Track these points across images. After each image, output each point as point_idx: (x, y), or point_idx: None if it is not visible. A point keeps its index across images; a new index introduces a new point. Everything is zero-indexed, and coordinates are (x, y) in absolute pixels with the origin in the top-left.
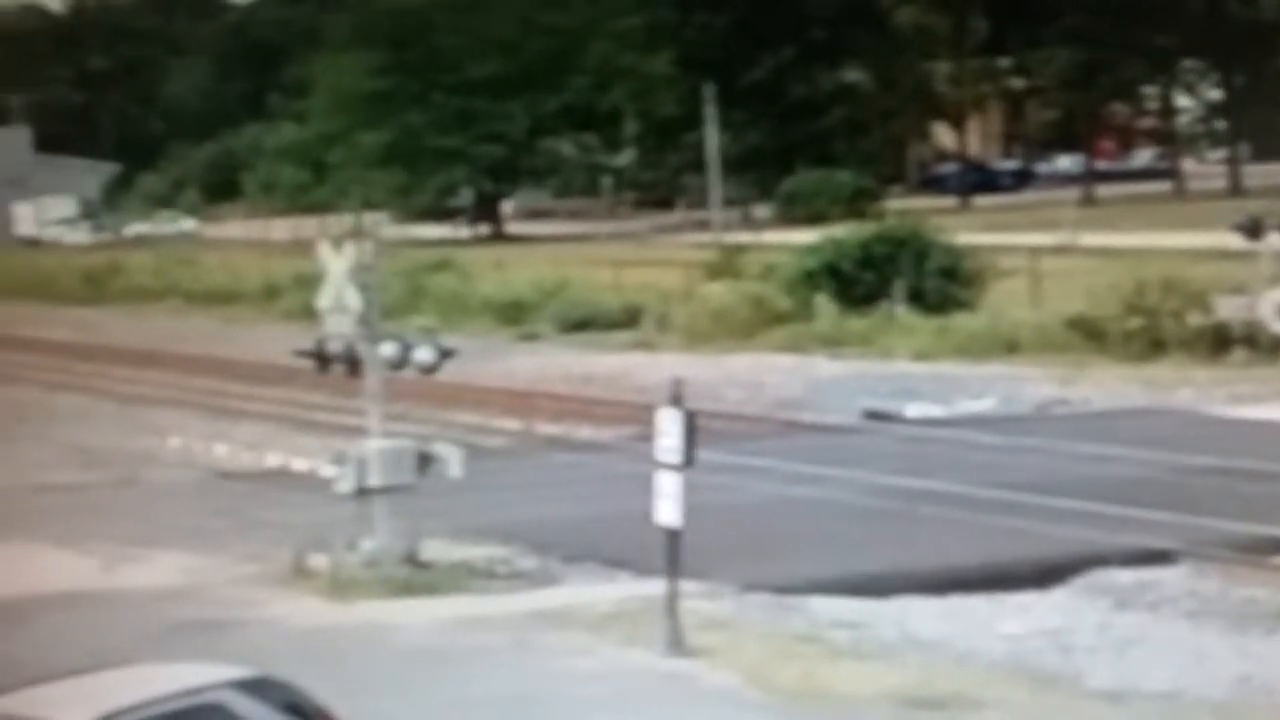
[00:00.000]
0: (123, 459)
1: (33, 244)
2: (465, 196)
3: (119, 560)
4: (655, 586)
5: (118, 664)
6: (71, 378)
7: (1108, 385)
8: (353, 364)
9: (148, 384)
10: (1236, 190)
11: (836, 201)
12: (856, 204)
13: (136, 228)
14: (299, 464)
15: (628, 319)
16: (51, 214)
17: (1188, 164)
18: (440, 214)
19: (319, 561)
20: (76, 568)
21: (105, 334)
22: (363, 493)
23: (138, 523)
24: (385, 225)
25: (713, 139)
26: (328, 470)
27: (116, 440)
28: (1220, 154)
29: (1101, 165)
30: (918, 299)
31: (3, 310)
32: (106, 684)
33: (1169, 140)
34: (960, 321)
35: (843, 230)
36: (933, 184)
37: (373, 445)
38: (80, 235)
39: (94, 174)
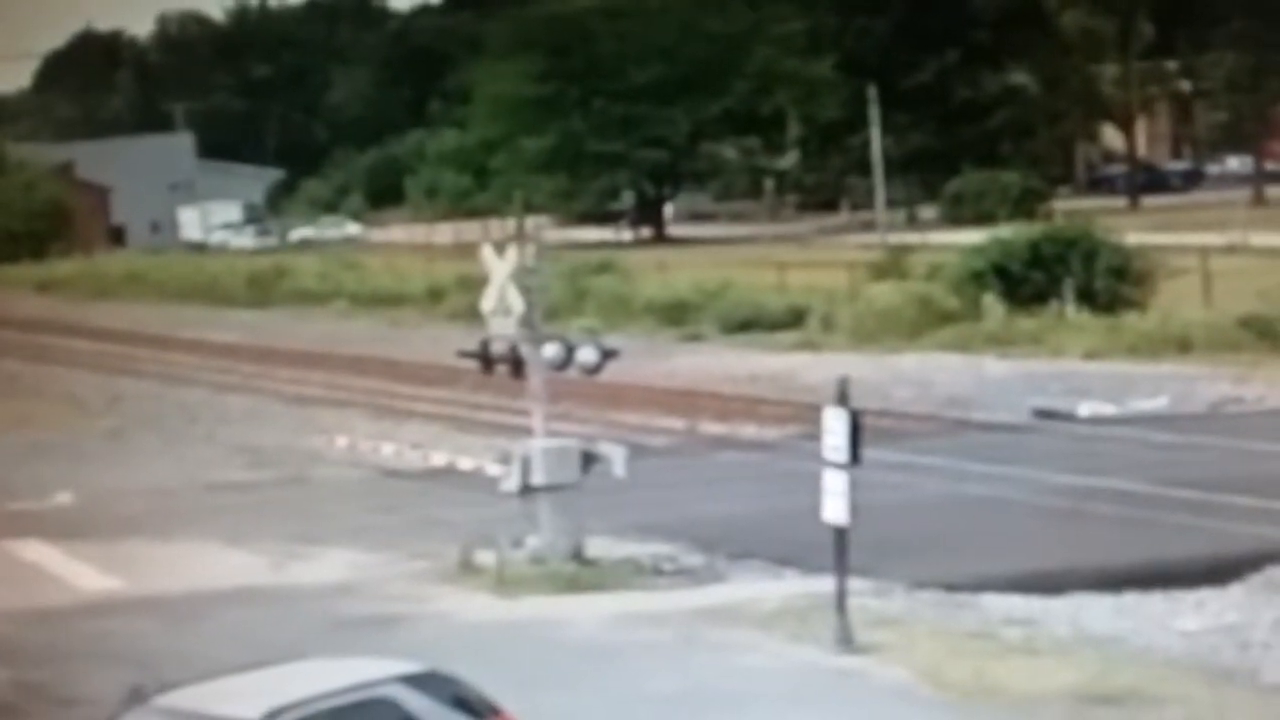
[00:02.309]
0: (291, 458)
1: (198, 248)
2: (627, 200)
3: (289, 557)
4: (822, 584)
5: (288, 659)
6: (239, 379)
7: None
8: (516, 365)
9: (314, 385)
10: None
11: (1003, 202)
12: (1024, 204)
13: (301, 232)
14: (464, 463)
15: (792, 319)
16: (217, 219)
17: None
18: (602, 217)
19: (485, 558)
20: (247, 565)
21: (271, 336)
22: (527, 491)
23: (306, 520)
24: (547, 229)
25: (877, 141)
26: (493, 469)
27: (284, 440)
28: None
29: (1271, 166)
30: (1087, 298)
31: (170, 313)
32: (277, 678)
33: None
34: (1131, 321)
35: (1010, 230)
36: (1101, 185)
37: (537, 444)
38: (245, 239)
39: (258, 180)
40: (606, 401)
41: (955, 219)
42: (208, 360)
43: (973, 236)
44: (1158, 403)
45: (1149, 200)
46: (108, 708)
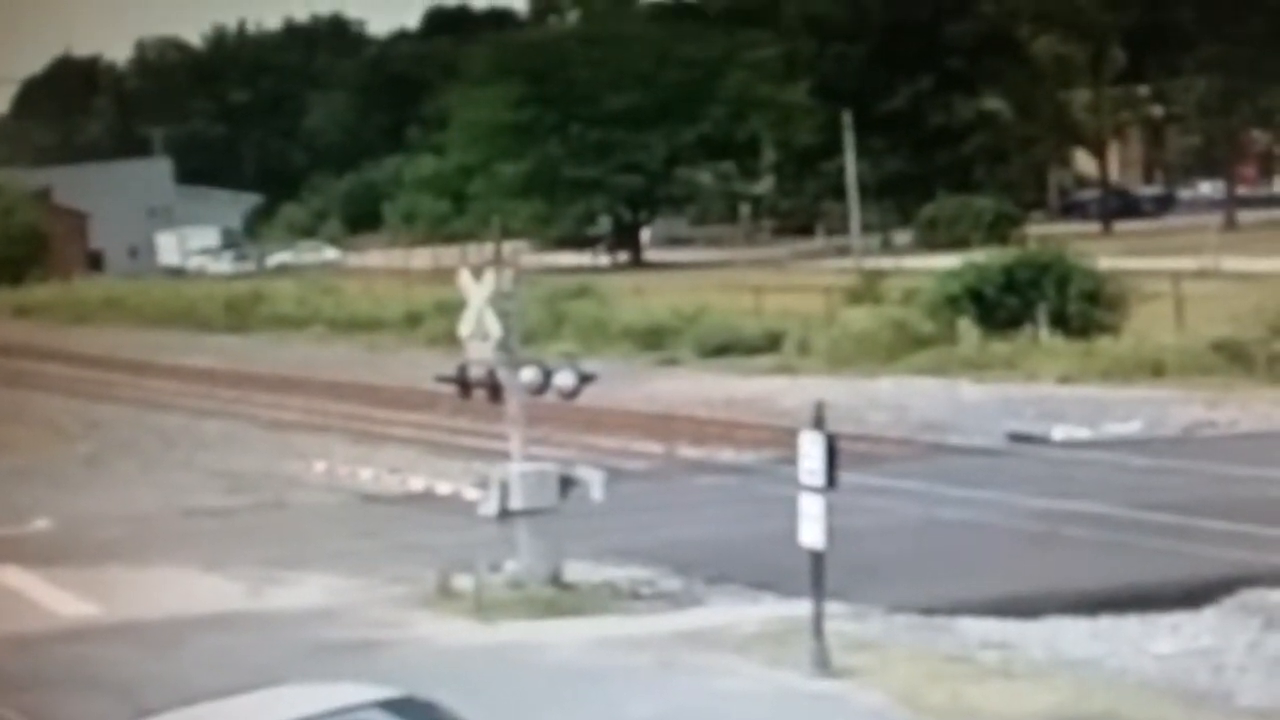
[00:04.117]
0: (269, 483)
1: (176, 273)
2: (604, 225)
3: (267, 583)
4: (799, 608)
5: (266, 685)
6: (217, 404)
7: (1255, 408)
8: (494, 389)
9: (292, 410)
10: None
11: (977, 227)
12: (998, 229)
13: (279, 257)
14: (442, 487)
15: (768, 344)
16: (194, 243)
17: None
18: (579, 242)
19: (463, 583)
20: (225, 590)
21: (249, 361)
22: (505, 515)
23: (284, 546)
24: (524, 254)
25: (852, 166)
26: (471, 493)
27: (262, 465)
28: None
29: (1243, 191)
30: (1061, 323)
31: (148, 338)
32: (254, 704)
33: None
34: (1104, 345)
35: (984, 255)
36: (1074, 210)
37: (515, 469)
38: (223, 264)
39: (236, 205)
40: (584, 426)
41: (930, 244)
42: (186, 385)
43: (947, 261)
44: (1131, 427)
45: (1121, 225)
46: None
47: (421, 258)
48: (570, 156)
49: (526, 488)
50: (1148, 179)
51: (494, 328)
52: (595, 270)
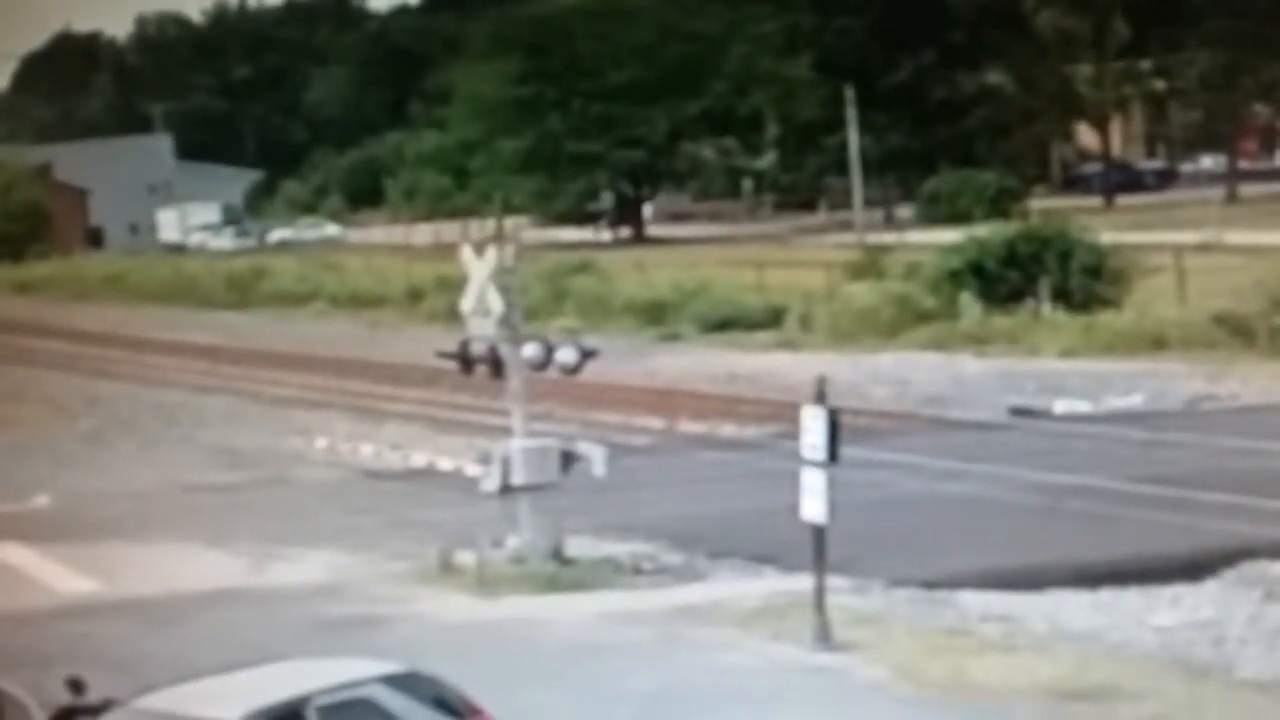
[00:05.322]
0: (270, 459)
1: (177, 249)
2: (606, 200)
3: (269, 559)
4: (801, 582)
5: (268, 660)
6: (218, 380)
7: (1256, 381)
8: (496, 365)
9: (294, 386)
10: None
11: (980, 201)
12: (1000, 204)
13: (280, 233)
14: (444, 463)
15: (770, 319)
16: (195, 220)
17: None
18: (581, 218)
19: (465, 558)
20: (227, 566)
21: (251, 337)
22: (507, 491)
23: (286, 522)
24: (526, 229)
25: (854, 141)
26: (472, 469)
27: (264, 441)
28: None
29: (1244, 165)
30: (1063, 297)
31: (149, 315)
32: (257, 679)
33: None
34: (1106, 319)
35: (986, 230)
36: (1077, 184)
37: (517, 444)
38: (224, 241)
39: (237, 181)
40: (586, 401)
41: (932, 218)
42: (186, 362)
43: (949, 236)
44: (1133, 400)
45: (1124, 199)
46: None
47: (423, 234)
48: (572, 131)
49: (528, 463)
50: (1150, 153)
51: (496, 304)
52: (597, 246)
